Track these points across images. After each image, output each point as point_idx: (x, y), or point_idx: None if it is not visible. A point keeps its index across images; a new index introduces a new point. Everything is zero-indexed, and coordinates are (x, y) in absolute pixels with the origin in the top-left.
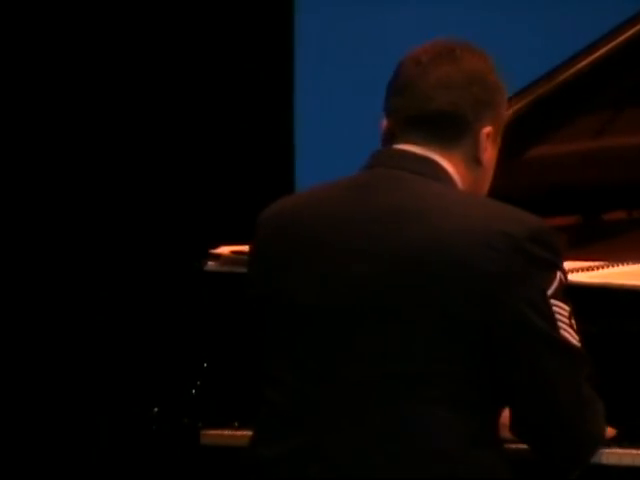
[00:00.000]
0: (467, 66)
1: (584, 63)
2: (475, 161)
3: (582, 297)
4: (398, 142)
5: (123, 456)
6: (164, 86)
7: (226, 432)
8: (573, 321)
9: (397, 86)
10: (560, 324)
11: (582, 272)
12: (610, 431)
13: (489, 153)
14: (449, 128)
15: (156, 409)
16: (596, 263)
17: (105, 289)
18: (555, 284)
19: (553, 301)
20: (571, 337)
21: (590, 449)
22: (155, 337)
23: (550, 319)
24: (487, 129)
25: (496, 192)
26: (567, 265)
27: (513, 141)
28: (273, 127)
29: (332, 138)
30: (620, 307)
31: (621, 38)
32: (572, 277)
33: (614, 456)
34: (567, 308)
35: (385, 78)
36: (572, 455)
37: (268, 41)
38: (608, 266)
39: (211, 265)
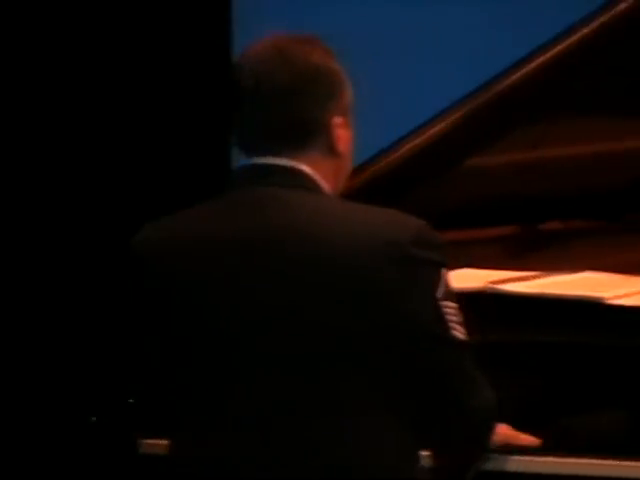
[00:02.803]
0: (302, 65)
1: (519, 74)
2: (332, 153)
3: (518, 307)
4: (259, 155)
5: (61, 466)
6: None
7: (165, 441)
8: (460, 316)
9: (239, 97)
10: (450, 324)
11: (518, 282)
12: (532, 440)
13: (344, 140)
14: (303, 134)
15: (94, 418)
16: (532, 273)
17: (46, 292)
18: (442, 284)
19: (442, 302)
20: (459, 333)
21: (485, 420)
22: (94, 345)
23: (441, 321)
24: (337, 120)
25: (433, 202)
26: (504, 275)
27: (450, 151)
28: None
29: None
30: (556, 316)
31: (556, 49)
32: (509, 287)
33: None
34: (454, 305)
35: None
36: (472, 431)
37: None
38: (544, 276)
39: None
